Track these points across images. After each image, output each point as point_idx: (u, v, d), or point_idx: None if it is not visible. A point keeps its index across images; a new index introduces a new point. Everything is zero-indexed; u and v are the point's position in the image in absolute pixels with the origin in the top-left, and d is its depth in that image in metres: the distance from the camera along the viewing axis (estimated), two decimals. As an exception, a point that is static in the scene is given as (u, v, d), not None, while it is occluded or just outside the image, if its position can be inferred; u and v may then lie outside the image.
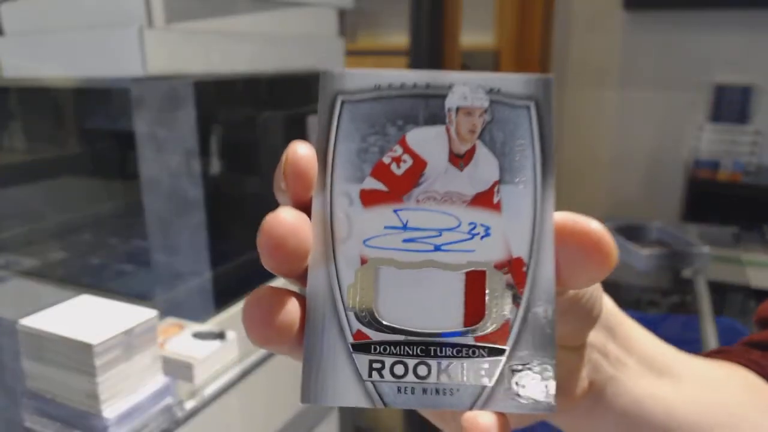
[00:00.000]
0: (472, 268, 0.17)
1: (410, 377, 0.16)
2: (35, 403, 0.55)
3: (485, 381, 0.16)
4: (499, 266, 0.17)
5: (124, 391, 0.54)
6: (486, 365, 0.16)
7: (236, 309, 0.77)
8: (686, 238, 1.08)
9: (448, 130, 0.17)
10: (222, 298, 0.75)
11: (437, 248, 0.17)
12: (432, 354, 0.16)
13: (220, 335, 0.67)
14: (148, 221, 0.73)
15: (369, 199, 0.17)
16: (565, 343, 0.21)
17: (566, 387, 0.21)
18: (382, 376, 0.16)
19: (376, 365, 0.16)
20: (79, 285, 0.81)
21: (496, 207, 0.17)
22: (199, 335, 0.66)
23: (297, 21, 0.91)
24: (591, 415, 0.23)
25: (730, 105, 1.96)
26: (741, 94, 1.96)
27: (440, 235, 0.17)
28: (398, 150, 0.17)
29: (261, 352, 0.77)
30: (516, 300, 0.16)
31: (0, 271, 0.85)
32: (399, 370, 0.16)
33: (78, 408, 0.53)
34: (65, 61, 0.73)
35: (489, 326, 0.16)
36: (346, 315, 0.16)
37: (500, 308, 0.16)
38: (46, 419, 0.55)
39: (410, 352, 0.16)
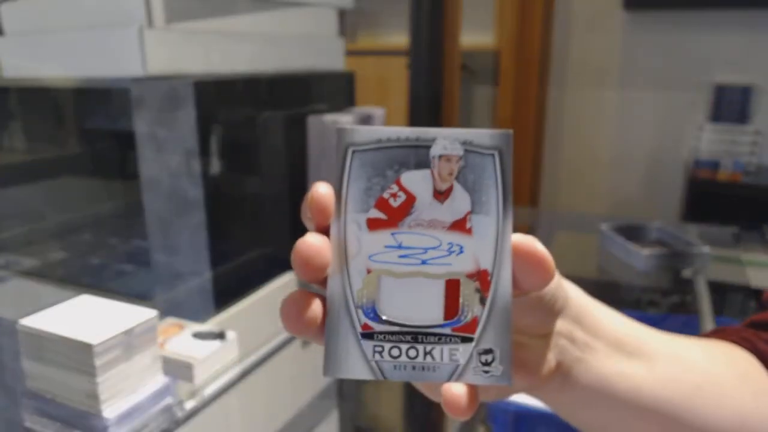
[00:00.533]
0: (450, 277, 0.22)
1: (403, 358, 0.22)
2: (35, 403, 0.55)
3: (459, 360, 0.22)
4: (470, 276, 0.22)
5: (124, 391, 0.54)
6: (460, 349, 0.22)
7: (236, 309, 0.77)
8: (686, 238, 1.08)
9: (432, 173, 0.22)
10: (222, 298, 0.75)
11: (424, 262, 0.22)
12: (420, 341, 0.22)
13: (220, 335, 0.67)
14: (148, 221, 0.73)
15: (373, 225, 0.22)
16: (532, 332, 0.25)
17: (534, 367, 0.26)
18: (382, 356, 0.22)
19: (378, 348, 0.22)
20: (79, 285, 0.80)
21: (468, 231, 0.22)
22: (199, 335, 0.66)
23: (297, 21, 0.91)
24: (562, 390, 0.28)
25: (730, 105, 1.96)
26: (741, 94, 1.96)
27: (426, 252, 0.22)
28: (395, 188, 0.22)
29: (261, 352, 0.77)
30: (482, 301, 0.22)
31: (0, 271, 0.85)
32: (395, 352, 0.22)
33: (78, 408, 0.53)
34: (65, 61, 0.73)
35: (462, 320, 0.22)
36: (356, 311, 0.22)
37: (471, 307, 0.22)
38: (46, 419, 0.55)
39: (403, 339, 0.22)
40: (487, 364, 0.22)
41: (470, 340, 0.22)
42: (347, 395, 1.04)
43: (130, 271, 0.86)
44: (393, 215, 0.22)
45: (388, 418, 1.27)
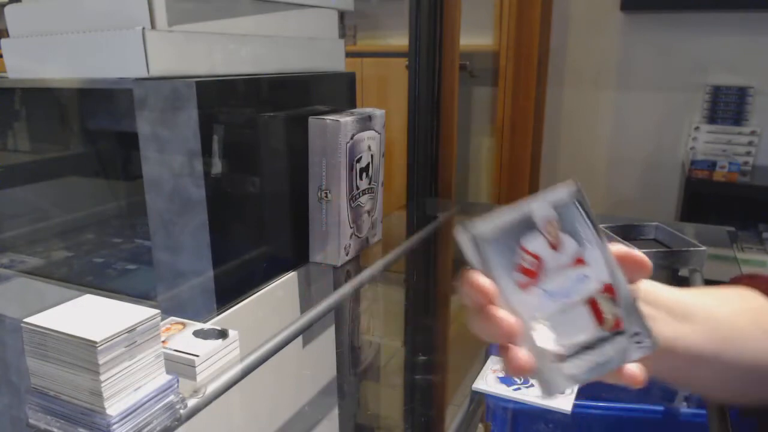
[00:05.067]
0: (589, 298, 0.31)
1: (589, 364, 0.31)
2: (39, 401, 0.55)
3: (623, 348, 0.31)
4: (601, 291, 0.31)
5: (128, 388, 0.55)
6: (619, 341, 0.31)
7: (238, 308, 0.77)
8: (683, 237, 1.09)
9: (542, 234, 0.31)
10: (224, 298, 0.76)
11: (567, 296, 0.31)
12: (594, 347, 0.31)
13: (222, 333, 0.67)
14: (151, 221, 0.74)
15: (523, 287, 0.31)
16: None
17: None
18: (577, 369, 0.31)
19: (571, 366, 0.31)
20: (82, 284, 0.81)
21: (584, 262, 0.31)
22: (200, 334, 0.67)
23: (298, 23, 0.91)
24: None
25: (726, 106, 1.98)
26: (737, 96, 1.97)
27: (566, 289, 0.31)
28: (523, 254, 0.31)
29: (262, 351, 0.77)
30: (615, 304, 0.31)
31: (5, 270, 0.85)
32: (583, 363, 0.31)
33: (82, 405, 0.53)
34: (69, 62, 0.73)
35: (610, 322, 0.31)
36: (546, 349, 0.31)
37: (610, 311, 0.31)
38: (50, 416, 0.55)
39: (584, 352, 0.31)
40: (639, 342, 0.31)
41: (622, 332, 0.31)
42: (348, 394, 1.05)
43: (132, 270, 0.86)
44: (532, 275, 0.31)
45: (388, 417, 1.27)
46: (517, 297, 0.30)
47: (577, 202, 0.31)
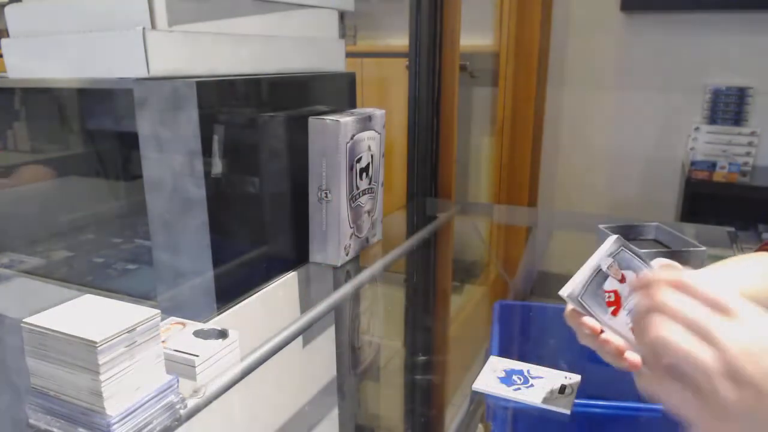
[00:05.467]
0: None
1: None
2: (39, 401, 0.55)
3: None
4: None
5: (128, 388, 0.55)
6: None
7: (237, 308, 0.77)
8: (683, 237, 1.09)
9: (612, 276, 0.47)
10: (224, 298, 0.76)
11: None
12: None
13: (222, 334, 0.67)
14: (151, 221, 0.74)
15: (614, 313, 0.47)
16: None
17: None
18: None
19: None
20: (82, 284, 0.81)
21: None
22: (200, 334, 0.67)
23: (299, 23, 0.91)
24: None
25: (726, 106, 1.98)
26: (737, 96, 1.97)
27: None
28: (606, 294, 0.47)
29: (262, 351, 0.77)
30: None
31: (5, 270, 0.85)
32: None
33: (82, 405, 0.53)
34: (69, 62, 0.73)
35: None
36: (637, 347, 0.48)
37: None
38: (50, 417, 0.55)
39: None
40: None
41: None
42: (348, 394, 1.05)
43: (132, 270, 0.86)
44: (616, 304, 0.47)
45: (388, 417, 1.27)
46: (613, 322, 0.46)
47: (624, 247, 0.47)
